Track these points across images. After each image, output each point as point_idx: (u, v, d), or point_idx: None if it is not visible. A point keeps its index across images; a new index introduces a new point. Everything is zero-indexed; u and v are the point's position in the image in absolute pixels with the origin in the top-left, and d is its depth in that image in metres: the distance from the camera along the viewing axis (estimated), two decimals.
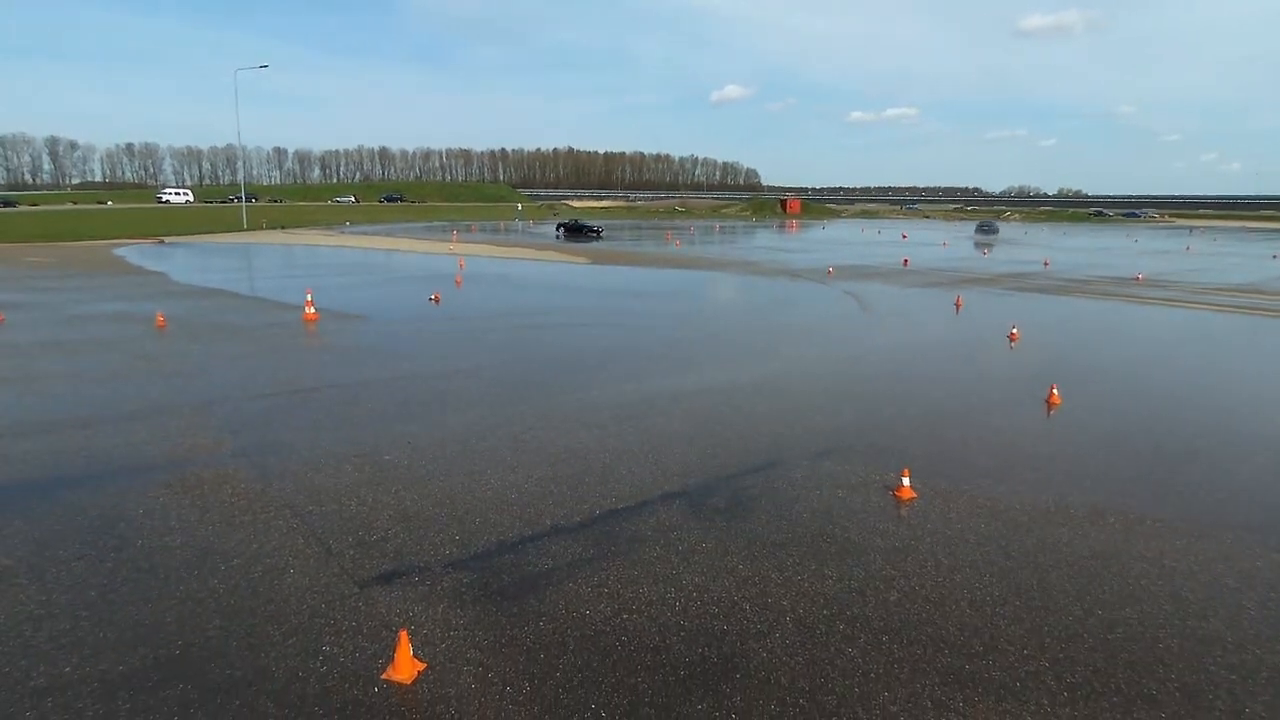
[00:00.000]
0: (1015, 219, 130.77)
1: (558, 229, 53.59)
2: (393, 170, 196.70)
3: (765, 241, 62.44)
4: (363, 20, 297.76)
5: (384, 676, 5.35)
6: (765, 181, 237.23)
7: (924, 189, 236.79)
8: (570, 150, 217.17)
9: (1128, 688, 5.43)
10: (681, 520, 8.10)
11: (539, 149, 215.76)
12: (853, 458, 10.14)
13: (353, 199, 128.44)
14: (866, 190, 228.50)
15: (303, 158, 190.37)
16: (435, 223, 78.67)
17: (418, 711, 5.03)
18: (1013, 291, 29.59)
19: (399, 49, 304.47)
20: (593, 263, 39.14)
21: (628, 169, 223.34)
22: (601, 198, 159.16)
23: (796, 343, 18.36)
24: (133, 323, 19.04)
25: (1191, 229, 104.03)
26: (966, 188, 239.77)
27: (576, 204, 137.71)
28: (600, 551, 7.35)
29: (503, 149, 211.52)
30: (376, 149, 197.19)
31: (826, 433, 11.24)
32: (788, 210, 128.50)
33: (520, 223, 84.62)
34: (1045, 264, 42.59)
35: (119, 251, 40.35)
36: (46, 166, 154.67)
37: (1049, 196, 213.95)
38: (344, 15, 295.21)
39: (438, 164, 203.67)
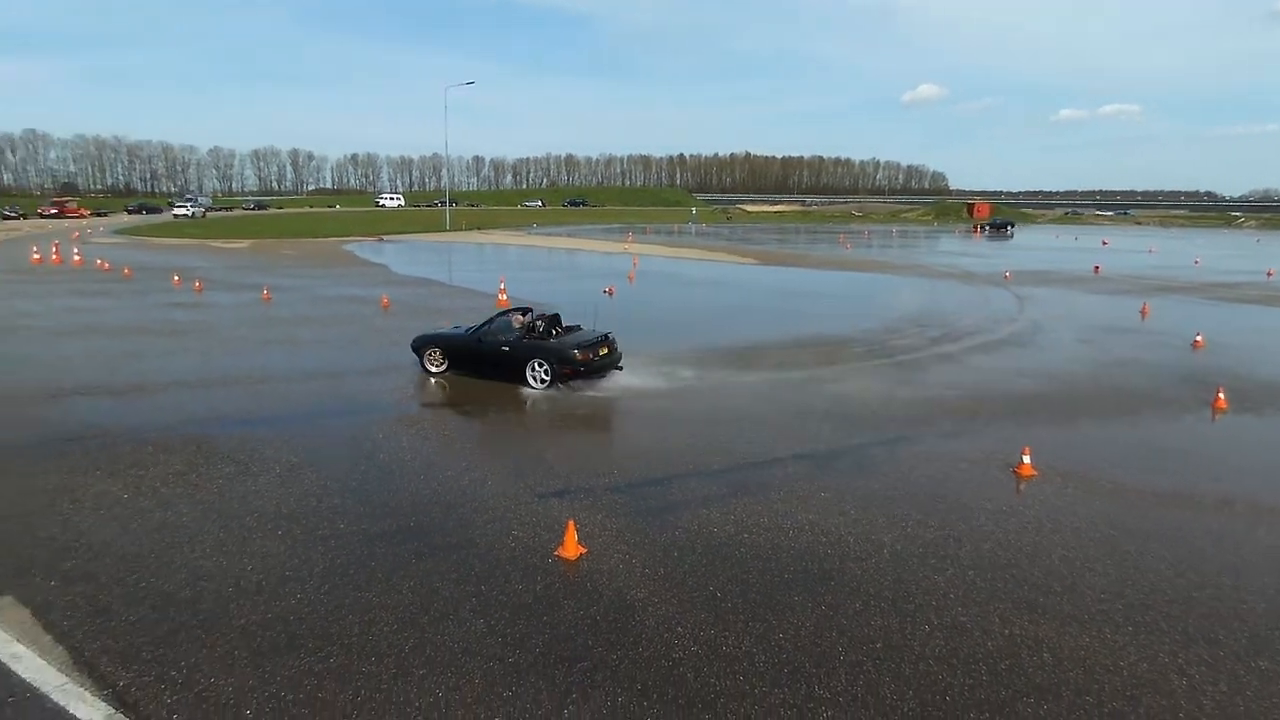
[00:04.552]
0: (1251, 225, 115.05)
1: None
2: (577, 176, 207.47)
3: (945, 246, 60.19)
4: (555, 36, 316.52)
5: (555, 553, 7.07)
6: (953, 185, 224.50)
7: (1141, 193, 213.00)
8: (747, 155, 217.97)
9: (1194, 631, 6.00)
10: (806, 474, 9.27)
11: (716, 154, 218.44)
12: (982, 439, 10.74)
13: (540, 203, 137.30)
14: (1071, 194, 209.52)
15: (497, 165, 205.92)
16: (613, 225, 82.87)
17: (579, 577, 6.69)
18: (1218, 301, 27.21)
19: (586, 63, 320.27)
20: (760, 263, 40.20)
21: (805, 173, 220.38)
22: (776, 202, 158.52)
23: (947, 341, 18.54)
24: (364, 304, 22.79)
25: None
26: (1195, 191, 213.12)
27: (751, 208, 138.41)
28: (730, 491, 8.71)
29: (680, 155, 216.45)
30: (563, 156, 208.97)
31: (962, 418, 11.83)
32: (975, 215, 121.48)
33: (694, 225, 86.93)
34: (1269, 274, 38.11)
35: (348, 247, 46.80)
36: (289, 175, 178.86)
37: None
38: (538, 33, 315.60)
39: (618, 170, 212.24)
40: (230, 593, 6.29)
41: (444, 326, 14.88)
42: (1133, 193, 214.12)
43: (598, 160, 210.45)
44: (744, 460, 9.74)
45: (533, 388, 12.72)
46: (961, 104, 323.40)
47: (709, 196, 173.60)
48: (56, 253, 35.74)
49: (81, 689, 5.03)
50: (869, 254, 49.22)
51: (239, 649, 5.51)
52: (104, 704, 4.90)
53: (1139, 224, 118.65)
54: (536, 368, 12.71)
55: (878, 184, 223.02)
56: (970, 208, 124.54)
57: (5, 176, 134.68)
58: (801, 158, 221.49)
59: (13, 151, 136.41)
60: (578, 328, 13.74)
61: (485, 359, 13.36)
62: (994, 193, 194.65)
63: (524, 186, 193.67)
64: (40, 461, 9.17)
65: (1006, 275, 34.40)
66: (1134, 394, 13.63)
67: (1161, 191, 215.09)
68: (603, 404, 12.28)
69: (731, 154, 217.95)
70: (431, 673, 5.28)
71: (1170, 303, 26.39)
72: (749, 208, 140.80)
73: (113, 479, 8.67)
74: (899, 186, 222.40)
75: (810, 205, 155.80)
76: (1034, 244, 64.89)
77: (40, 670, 5.22)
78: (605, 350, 13.10)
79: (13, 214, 73.33)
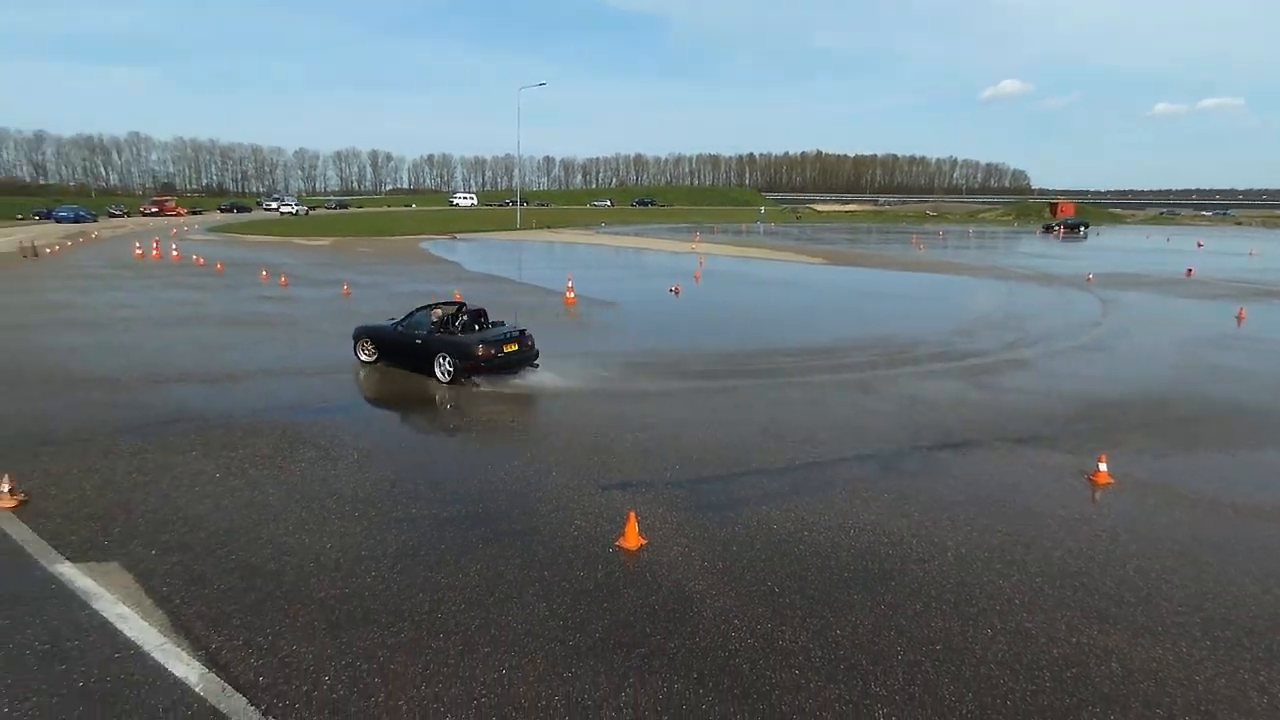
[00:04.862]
0: None
1: None
2: (646, 176, 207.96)
3: (1025, 247, 57.97)
4: (626, 37, 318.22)
5: (616, 543, 7.23)
6: (1035, 184, 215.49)
7: (1243, 191, 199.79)
8: (818, 154, 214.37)
9: (1279, 649, 5.73)
10: (870, 476, 9.19)
11: (786, 153, 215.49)
12: (1056, 445, 10.42)
13: (609, 203, 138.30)
14: (1166, 193, 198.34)
15: (567, 165, 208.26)
16: (681, 224, 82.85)
17: (638, 567, 6.83)
18: None
19: (657, 63, 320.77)
20: (829, 263, 39.63)
21: (878, 172, 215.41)
22: (847, 201, 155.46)
23: (1023, 345, 17.95)
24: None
25: None
26: None
27: (821, 208, 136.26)
28: (793, 489, 8.71)
29: (750, 154, 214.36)
30: (632, 156, 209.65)
31: (1035, 423, 11.48)
32: (1058, 215, 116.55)
33: (762, 225, 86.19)
34: None
35: (423, 245, 48.27)
36: (369, 175, 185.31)
37: None
38: (610, 34, 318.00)
39: (687, 169, 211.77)
40: (311, 568, 6.68)
41: (380, 320, 15.32)
42: (1234, 191, 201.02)
43: (666, 160, 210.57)
44: (807, 459, 9.72)
45: (440, 380, 12.99)
46: (1047, 99, 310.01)
47: (778, 196, 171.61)
48: (156, 248, 38.04)
49: (179, 649, 5.45)
50: (943, 255, 47.91)
51: (318, 620, 5.86)
52: (198, 664, 5.29)
53: (1240, 224, 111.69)
54: (442, 361, 12.96)
55: (954, 183, 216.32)
56: (1054, 207, 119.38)
57: (111, 177, 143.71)
58: (875, 156, 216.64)
59: (118, 153, 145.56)
60: (501, 324, 13.90)
61: (403, 351, 13.79)
62: (1079, 192, 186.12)
63: (593, 186, 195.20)
64: (143, 442, 9.87)
65: (1089, 278, 32.99)
66: (1224, 402, 12.96)
67: (1266, 190, 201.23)
68: (664, 400, 12.41)
69: (802, 153, 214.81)
70: (496, 651, 5.51)
71: (1271, 308, 24.87)
72: (819, 207, 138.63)
73: (206, 459, 9.27)
74: (977, 185, 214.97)
75: (883, 205, 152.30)
76: (1121, 245, 61.87)
77: (143, 631, 5.67)
78: (514, 347, 13.09)
79: (118, 212, 78.58)
